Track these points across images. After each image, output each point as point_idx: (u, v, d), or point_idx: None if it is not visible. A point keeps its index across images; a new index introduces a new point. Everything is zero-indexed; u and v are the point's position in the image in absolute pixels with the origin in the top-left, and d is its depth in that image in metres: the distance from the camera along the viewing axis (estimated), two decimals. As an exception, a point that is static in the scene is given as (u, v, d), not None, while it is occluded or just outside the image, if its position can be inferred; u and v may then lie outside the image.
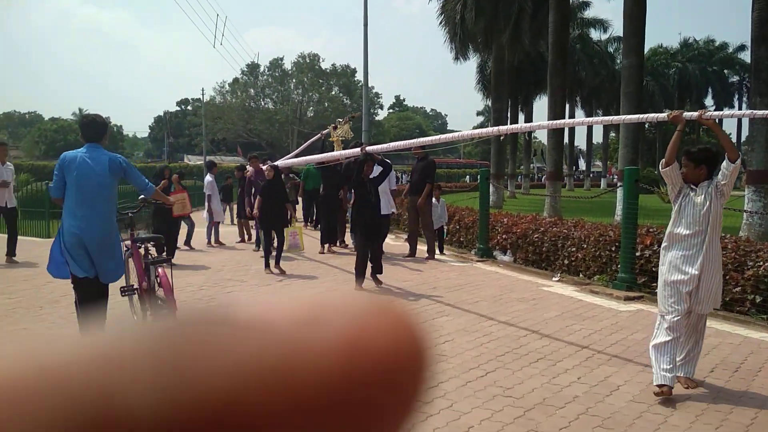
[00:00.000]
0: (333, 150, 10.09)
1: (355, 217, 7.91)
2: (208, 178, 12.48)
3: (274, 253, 8.91)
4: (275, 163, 10.06)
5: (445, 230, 11.53)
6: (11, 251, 9.83)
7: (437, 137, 7.96)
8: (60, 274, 4.97)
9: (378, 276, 7.92)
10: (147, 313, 5.37)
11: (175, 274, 5.91)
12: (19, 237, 12.65)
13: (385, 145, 8.07)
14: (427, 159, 10.59)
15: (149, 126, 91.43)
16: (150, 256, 5.53)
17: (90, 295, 4.85)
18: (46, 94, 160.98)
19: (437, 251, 10.70)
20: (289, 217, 9.24)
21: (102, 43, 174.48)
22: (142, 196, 5.68)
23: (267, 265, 8.88)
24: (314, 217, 14.91)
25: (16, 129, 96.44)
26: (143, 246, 5.59)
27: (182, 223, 10.89)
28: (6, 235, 10.12)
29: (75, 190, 4.80)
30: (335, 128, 10.69)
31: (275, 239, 8.87)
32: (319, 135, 12.39)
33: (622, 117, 3.62)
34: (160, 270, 5.24)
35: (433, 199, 10.68)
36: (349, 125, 10.99)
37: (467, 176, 54.17)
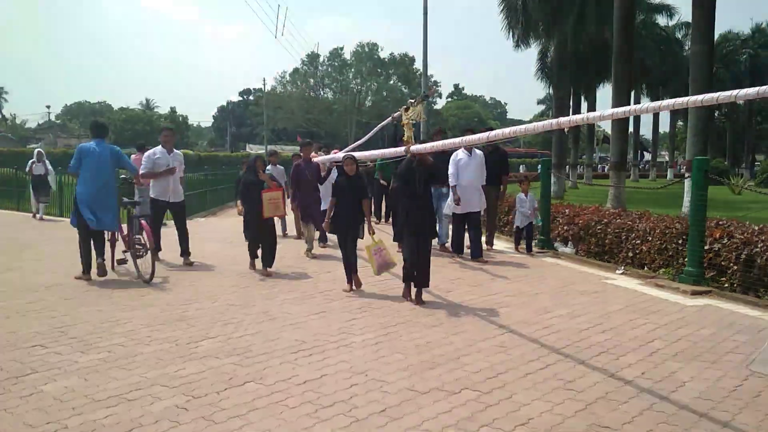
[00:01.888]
0: (404, 134, 9.14)
1: (402, 219, 6.85)
2: (269, 168, 12.65)
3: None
4: (354, 154, 8.94)
5: (533, 227, 10.28)
6: (185, 250, 8.85)
7: (485, 134, 6.48)
8: (72, 222, 7.88)
9: (422, 292, 6.60)
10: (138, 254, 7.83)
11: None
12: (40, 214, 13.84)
13: (430, 144, 6.95)
14: (498, 150, 10.23)
15: (213, 116, 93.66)
16: (135, 213, 8.16)
17: (89, 238, 7.70)
18: (115, 84, 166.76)
19: (525, 251, 9.99)
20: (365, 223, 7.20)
21: (169, 34, 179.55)
22: (123, 176, 9.35)
23: (349, 280, 7.10)
24: (384, 212, 14.28)
25: (86, 118, 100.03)
26: (132, 208, 8.28)
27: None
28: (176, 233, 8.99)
29: (87, 169, 7.64)
30: (407, 110, 9.29)
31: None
32: (390, 118, 11.23)
33: (688, 99, 3.42)
34: (143, 221, 7.77)
35: (521, 193, 10.11)
36: (422, 106, 9.59)
37: (521, 165, 53.23)
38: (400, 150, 7.44)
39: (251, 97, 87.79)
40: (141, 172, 8.74)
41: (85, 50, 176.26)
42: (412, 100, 9.41)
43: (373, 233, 6.95)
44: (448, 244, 9.89)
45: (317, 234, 10.22)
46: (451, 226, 9.86)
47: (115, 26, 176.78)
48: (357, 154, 9.33)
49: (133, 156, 14.69)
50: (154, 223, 8.50)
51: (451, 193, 9.40)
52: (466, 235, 9.58)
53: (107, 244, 8.08)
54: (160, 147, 8.97)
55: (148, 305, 6.36)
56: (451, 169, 9.29)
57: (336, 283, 7.38)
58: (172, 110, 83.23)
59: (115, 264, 8.25)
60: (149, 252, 7.53)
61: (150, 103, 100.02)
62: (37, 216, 15.39)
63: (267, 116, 65.17)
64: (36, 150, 16.79)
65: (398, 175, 7.06)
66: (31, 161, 15.85)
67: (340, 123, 64.01)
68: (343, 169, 7.20)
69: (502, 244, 11.04)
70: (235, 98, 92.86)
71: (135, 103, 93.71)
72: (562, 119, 4.43)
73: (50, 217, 15.74)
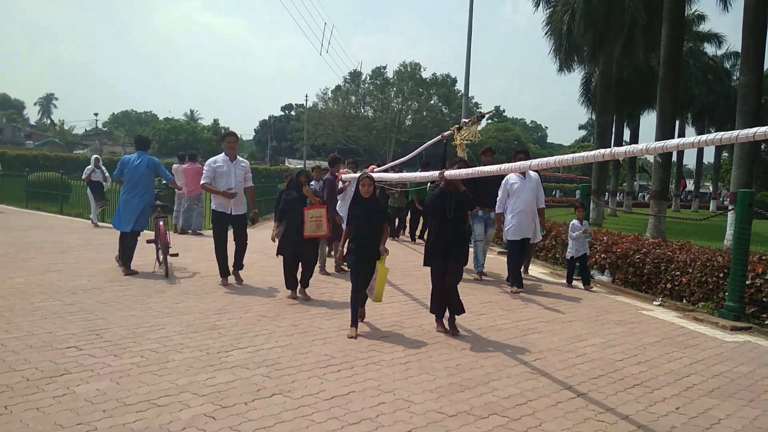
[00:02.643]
0: (456, 154, 8.34)
1: (431, 243, 6.34)
2: (312, 183, 12.67)
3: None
4: (374, 174, 8.73)
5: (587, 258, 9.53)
6: (238, 263, 8.37)
7: (528, 162, 5.56)
8: (115, 225, 8.95)
9: (455, 319, 6.26)
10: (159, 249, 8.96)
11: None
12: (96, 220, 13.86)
13: (464, 171, 6.23)
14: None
15: (254, 129, 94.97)
16: (158, 213, 9.12)
17: (126, 238, 8.76)
18: (161, 94, 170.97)
19: (582, 284, 9.25)
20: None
21: (217, 47, 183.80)
22: (163, 182, 10.94)
23: (355, 322, 6.01)
24: (419, 230, 14.25)
25: (132, 127, 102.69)
26: (157, 209, 9.13)
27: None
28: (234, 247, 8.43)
29: (129, 177, 8.84)
30: (459, 129, 8.52)
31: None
32: (439, 136, 10.26)
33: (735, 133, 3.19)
34: (160, 222, 8.97)
35: (575, 220, 9.47)
36: (477, 126, 8.64)
37: (556, 191, 52.43)
38: (435, 174, 6.81)
39: (293, 113, 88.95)
40: (202, 182, 8.18)
41: (134, 60, 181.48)
42: (467, 120, 8.75)
43: (387, 253, 6.19)
44: (487, 272, 9.62)
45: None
46: (502, 257, 9.50)
47: (164, 37, 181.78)
48: (389, 176, 9.41)
49: (174, 166, 14.96)
50: (216, 236, 8.17)
51: (504, 220, 8.91)
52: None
53: (154, 246, 9.19)
54: (222, 155, 8.24)
55: (181, 313, 6.44)
56: (500, 195, 8.89)
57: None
58: (215, 122, 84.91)
59: (158, 265, 9.04)
60: (163, 250, 8.80)
61: (194, 114, 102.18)
62: (94, 222, 15.27)
63: (307, 132, 65.92)
64: (93, 156, 16.68)
65: (430, 198, 6.47)
66: (89, 168, 15.73)
67: (379, 141, 64.34)
68: (358, 192, 6.27)
69: (537, 269, 10.91)
70: (277, 113, 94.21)
71: (180, 114, 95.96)
72: (618, 149, 4.02)
73: (105, 224, 15.04)
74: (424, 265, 6.34)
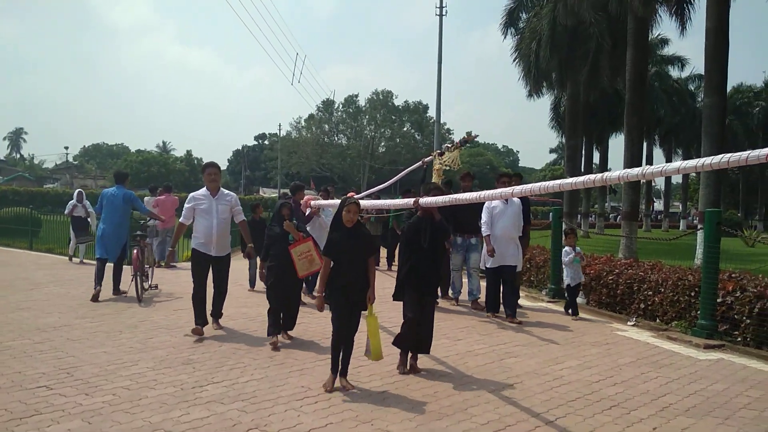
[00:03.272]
0: (432, 180, 8.17)
1: (404, 274, 5.83)
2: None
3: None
4: (360, 198, 8.22)
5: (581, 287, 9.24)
6: (217, 312, 7.39)
7: (508, 189, 5.14)
8: (97, 253, 9.58)
9: (417, 358, 5.79)
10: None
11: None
12: (94, 261, 13.14)
13: (441, 198, 5.85)
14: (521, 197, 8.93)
15: (228, 159, 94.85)
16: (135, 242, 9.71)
17: (102, 265, 9.40)
18: (133, 126, 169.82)
19: (570, 313, 8.86)
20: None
21: (188, 78, 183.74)
22: (142, 221, 11.17)
23: (334, 368, 5.26)
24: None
25: (103, 160, 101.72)
26: (136, 239, 9.73)
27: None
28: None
29: (105, 209, 9.54)
30: (441, 154, 8.24)
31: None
32: (420, 162, 9.92)
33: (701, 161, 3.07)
34: (135, 250, 9.38)
35: (567, 247, 8.95)
36: (459, 152, 8.32)
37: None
38: (408, 202, 6.47)
39: (266, 142, 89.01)
40: (180, 221, 7.29)
41: (105, 92, 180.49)
42: (449, 144, 8.40)
43: (372, 301, 5.36)
44: (482, 300, 9.16)
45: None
46: (484, 281, 9.20)
47: (134, 70, 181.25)
48: (365, 203, 8.75)
49: (146, 198, 14.81)
50: (194, 278, 7.11)
51: (484, 245, 8.63)
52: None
53: (136, 276, 9.33)
54: (203, 189, 7.23)
55: (154, 348, 6.33)
56: (484, 217, 8.55)
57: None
58: (188, 153, 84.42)
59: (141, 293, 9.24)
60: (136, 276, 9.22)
61: (166, 146, 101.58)
62: (75, 260, 14.57)
63: (281, 160, 65.92)
64: (76, 191, 15.74)
65: (405, 227, 6.06)
66: (71, 203, 14.88)
67: (353, 168, 64.57)
68: (339, 219, 5.35)
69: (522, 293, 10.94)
70: (250, 142, 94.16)
71: (152, 146, 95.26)
72: (611, 174, 3.78)
73: (90, 261, 13.86)
74: (394, 299, 5.85)
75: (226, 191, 7.39)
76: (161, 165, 74.55)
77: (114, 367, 5.57)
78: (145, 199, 14.73)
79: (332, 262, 5.27)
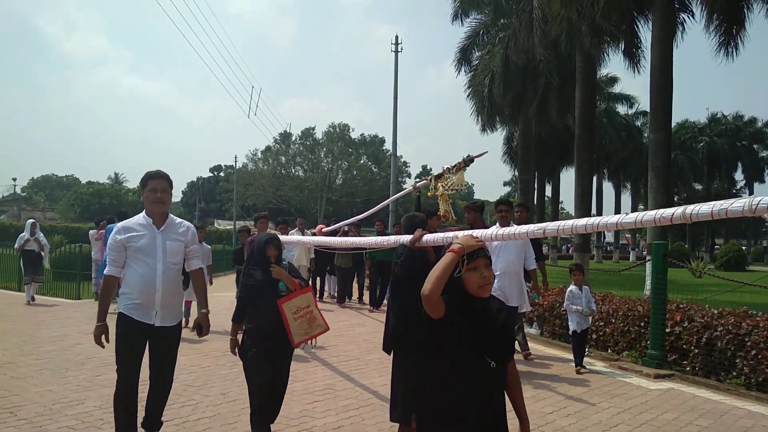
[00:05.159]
0: (438, 209, 6.68)
1: (395, 323, 4.85)
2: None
3: None
4: (321, 236, 8.12)
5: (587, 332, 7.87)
6: (154, 420, 4.61)
7: (523, 228, 4.28)
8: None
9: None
10: None
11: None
12: (45, 297, 12.72)
13: (441, 235, 4.91)
14: None
15: (182, 191, 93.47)
16: None
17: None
18: (85, 158, 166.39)
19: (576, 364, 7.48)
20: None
21: (142, 110, 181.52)
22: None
23: None
24: (371, 297, 12.92)
25: (53, 191, 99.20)
26: None
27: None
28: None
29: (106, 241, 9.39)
30: (439, 177, 6.81)
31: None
32: (410, 188, 8.49)
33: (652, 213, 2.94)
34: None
35: (572, 286, 7.70)
36: (463, 173, 6.72)
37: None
38: (395, 240, 5.49)
39: (222, 174, 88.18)
40: (107, 272, 4.38)
41: (56, 123, 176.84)
42: (449, 166, 6.82)
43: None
44: None
45: None
46: None
47: (87, 100, 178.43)
48: (339, 240, 7.95)
49: (91, 232, 14.44)
50: (120, 364, 4.41)
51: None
52: None
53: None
54: (140, 216, 4.46)
55: (102, 386, 6.14)
56: None
57: (298, 365, 7.25)
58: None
59: None
60: None
61: (119, 177, 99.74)
62: (30, 300, 12.75)
63: (237, 192, 65.37)
64: (30, 221, 13.95)
65: (401, 264, 4.93)
66: (23, 236, 13.24)
67: (310, 200, 64.39)
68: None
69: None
70: (206, 174, 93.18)
71: (104, 177, 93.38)
72: (611, 220, 3.50)
73: (44, 298, 13.58)
74: (384, 350, 5.00)
75: (179, 220, 4.54)
76: (113, 197, 73.08)
77: (59, 406, 5.38)
78: (90, 233, 14.36)
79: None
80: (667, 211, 3.12)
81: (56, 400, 5.57)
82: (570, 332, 7.76)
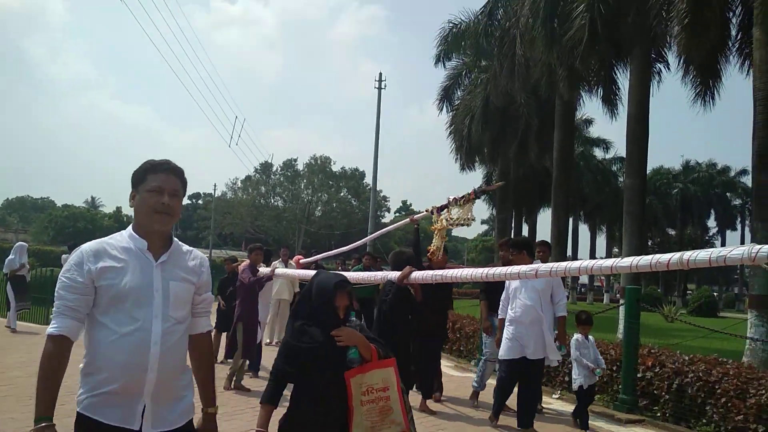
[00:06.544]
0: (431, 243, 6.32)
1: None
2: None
3: None
4: (298, 270, 7.81)
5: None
6: None
7: (530, 268, 4.06)
8: None
9: None
10: None
11: None
12: (18, 323, 12.37)
13: (431, 273, 4.81)
14: None
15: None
16: None
17: None
18: (61, 180, 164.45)
19: (578, 424, 6.80)
20: None
21: (122, 135, 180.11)
22: None
23: None
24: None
25: (27, 213, 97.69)
26: None
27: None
28: None
29: None
30: (440, 210, 6.09)
31: None
32: (408, 219, 7.69)
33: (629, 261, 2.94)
34: None
35: (578, 335, 6.87)
36: (471, 205, 5.99)
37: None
38: (382, 276, 5.36)
39: (200, 201, 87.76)
40: (51, 330, 2.42)
41: (34, 145, 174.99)
42: (455, 197, 6.00)
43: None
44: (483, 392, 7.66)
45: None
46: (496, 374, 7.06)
47: (66, 123, 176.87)
48: (307, 273, 6.86)
49: (63, 257, 14.21)
50: None
51: (505, 331, 6.65)
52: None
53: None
54: (127, 233, 2.58)
55: (65, 415, 5.98)
56: (503, 294, 6.83)
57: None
58: (118, 209, 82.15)
59: None
60: None
61: (95, 201, 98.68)
62: (12, 326, 12.02)
63: (215, 221, 65.02)
64: (19, 245, 13.15)
65: (389, 302, 4.74)
66: (13, 259, 12.48)
67: (288, 231, 64.21)
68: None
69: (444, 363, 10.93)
70: (184, 201, 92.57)
71: (80, 201, 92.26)
72: (583, 265, 3.52)
73: (26, 324, 12.93)
74: None
75: (186, 247, 2.73)
76: (88, 221, 72.17)
77: (21, 436, 5.24)
78: (63, 257, 14.17)
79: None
80: (664, 257, 3.09)
81: (18, 428, 5.42)
82: (574, 387, 6.80)
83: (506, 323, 6.60)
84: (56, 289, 2.40)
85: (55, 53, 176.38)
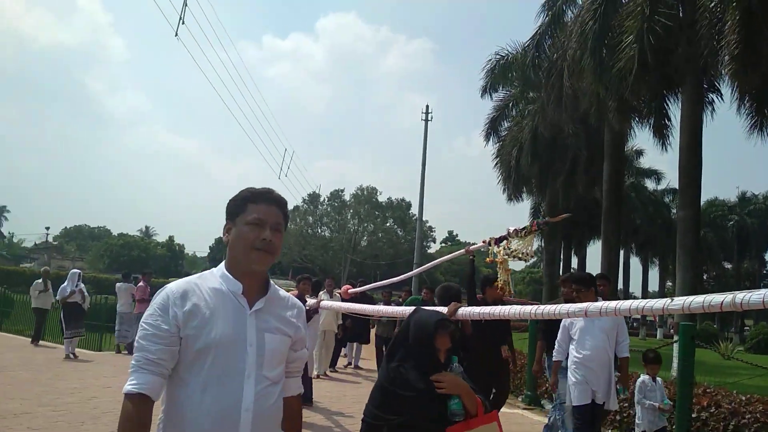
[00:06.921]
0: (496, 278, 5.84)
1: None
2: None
3: None
4: (345, 302, 7.75)
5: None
6: None
7: (582, 306, 3.85)
8: None
9: None
10: None
11: None
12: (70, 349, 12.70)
13: (478, 309, 4.58)
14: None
15: (209, 246, 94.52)
16: None
17: None
18: (117, 210, 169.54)
19: None
20: None
21: (176, 166, 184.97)
22: None
23: None
24: None
25: (84, 241, 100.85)
26: None
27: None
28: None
29: None
30: (498, 242, 5.61)
31: None
32: (463, 251, 6.80)
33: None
34: None
35: (644, 376, 6.50)
36: (533, 238, 5.54)
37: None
38: (439, 310, 4.43)
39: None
40: (132, 387, 1.99)
41: (92, 176, 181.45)
42: (515, 228, 5.51)
43: None
44: None
45: None
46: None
47: (124, 155, 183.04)
48: (368, 308, 6.94)
49: (118, 285, 14.48)
50: None
51: (569, 375, 6.21)
52: None
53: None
54: (219, 272, 2.22)
55: None
56: (559, 336, 6.39)
57: None
58: (170, 239, 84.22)
59: None
60: None
61: (149, 231, 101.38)
62: (70, 355, 12.17)
63: (262, 250, 66.00)
64: (73, 271, 13.52)
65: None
66: (65, 288, 12.79)
67: (335, 260, 64.66)
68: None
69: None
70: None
71: (134, 230, 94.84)
72: (633, 305, 3.34)
73: (79, 350, 13.00)
74: None
75: (282, 291, 2.35)
76: (142, 249, 74.13)
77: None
78: (117, 285, 14.51)
79: None
80: (717, 298, 3.01)
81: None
82: None
83: (572, 366, 6.13)
84: (137, 337, 2.05)
85: (114, 88, 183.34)
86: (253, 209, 2.18)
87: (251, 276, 2.16)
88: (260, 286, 2.20)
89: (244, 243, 2.14)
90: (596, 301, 5.49)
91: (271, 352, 2.11)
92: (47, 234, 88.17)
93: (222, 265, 2.22)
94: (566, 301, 6.17)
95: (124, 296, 13.97)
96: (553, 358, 6.51)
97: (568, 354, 6.28)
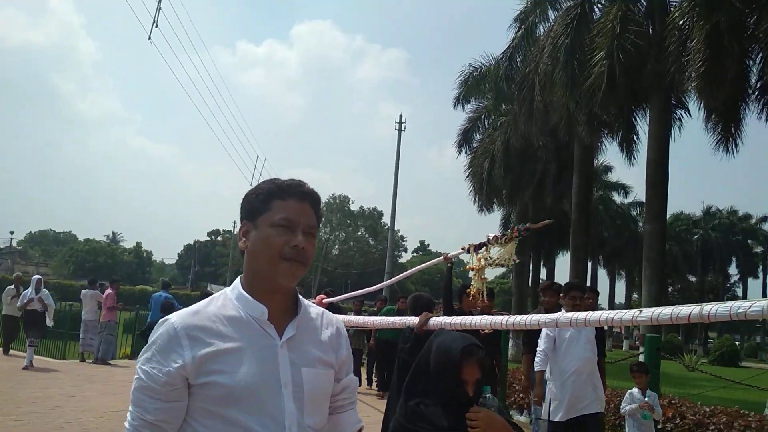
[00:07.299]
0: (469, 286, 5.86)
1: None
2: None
3: None
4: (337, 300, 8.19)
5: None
6: None
7: (512, 318, 4.18)
8: None
9: None
10: None
11: None
12: (35, 357, 12.43)
13: (449, 319, 4.53)
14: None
15: (178, 253, 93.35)
16: None
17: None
18: (83, 215, 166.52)
19: None
20: None
21: (146, 172, 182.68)
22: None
23: None
24: (380, 379, 12.03)
25: (49, 246, 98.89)
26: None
27: None
28: None
29: (154, 310, 13.25)
30: (478, 249, 5.54)
31: None
32: (441, 258, 6.82)
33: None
34: None
35: (634, 389, 6.33)
36: (514, 244, 5.35)
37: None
38: (401, 321, 5.00)
39: (219, 238, 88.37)
40: None
41: (59, 180, 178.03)
42: (496, 234, 5.45)
43: None
44: None
45: None
46: None
47: (92, 159, 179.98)
48: (354, 319, 6.86)
49: (83, 291, 14.17)
50: None
51: (549, 387, 5.93)
52: None
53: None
54: (235, 292, 1.68)
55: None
56: (541, 345, 5.98)
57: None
58: (138, 245, 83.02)
59: None
60: None
61: (116, 236, 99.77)
62: (28, 366, 11.48)
63: (233, 258, 65.43)
64: (35, 278, 13.15)
65: (408, 351, 4.31)
66: (26, 294, 12.47)
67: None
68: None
69: None
70: (203, 238, 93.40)
71: (101, 236, 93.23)
72: (603, 316, 3.40)
73: (42, 358, 12.88)
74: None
75: (314, 308, 1.80)
76: (108, 255, 72.94)
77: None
78: (82, 292, 14.19)
79: None
80: (685, 310, 3.06)
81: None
82: None
83: (557, 378, 5.78)
84: (132, 387, 1.56)
85: (85, 90, 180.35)
86: (281, 207, 1.66)
87: (277, 294, 1.65)
88: (289, 306, 1.69)
89: (269, 251, 1.62)
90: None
91: (311, 393, 1.61)
92: (11, 238, 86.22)
93: (237, 282, 1.70)
94: (547, 311, 6.12)
95: (90, 303, 13.68)
96: (536, 368, 6.12)
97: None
